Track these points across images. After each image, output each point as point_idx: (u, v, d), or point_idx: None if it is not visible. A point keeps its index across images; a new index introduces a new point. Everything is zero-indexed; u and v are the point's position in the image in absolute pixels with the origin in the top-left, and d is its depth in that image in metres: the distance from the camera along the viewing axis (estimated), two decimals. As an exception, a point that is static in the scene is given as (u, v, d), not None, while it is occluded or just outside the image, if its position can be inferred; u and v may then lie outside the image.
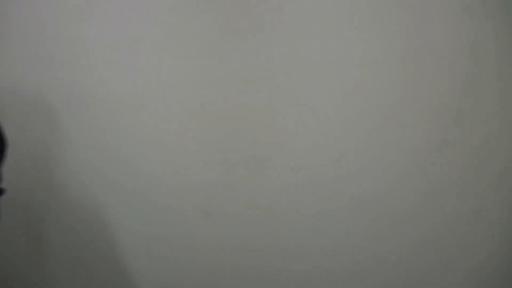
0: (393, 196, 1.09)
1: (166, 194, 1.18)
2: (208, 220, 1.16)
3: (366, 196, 1.09)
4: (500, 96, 1.07)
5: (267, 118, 1.15)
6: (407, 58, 1.07)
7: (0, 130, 0.90)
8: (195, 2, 1.17)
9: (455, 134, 1.08)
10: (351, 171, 1.09)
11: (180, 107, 1.19)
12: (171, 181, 1.18)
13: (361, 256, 1.10)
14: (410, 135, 1.09)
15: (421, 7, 1.06)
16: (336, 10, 1.11)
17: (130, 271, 1.19)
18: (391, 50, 1.07)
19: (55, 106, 1.22)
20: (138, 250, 1.19)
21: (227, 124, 1.17)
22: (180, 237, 1.17)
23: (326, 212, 1.10)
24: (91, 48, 1.22)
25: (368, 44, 1.09)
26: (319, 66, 1.12)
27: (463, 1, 1.04)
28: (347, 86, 1.10)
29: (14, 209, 0.95)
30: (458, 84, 1.08)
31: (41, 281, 1.20)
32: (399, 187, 1.10)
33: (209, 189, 1.17)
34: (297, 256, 1.11)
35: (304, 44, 1.12)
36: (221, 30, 1.17)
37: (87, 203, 1.21)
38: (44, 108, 1.23)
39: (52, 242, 1.20)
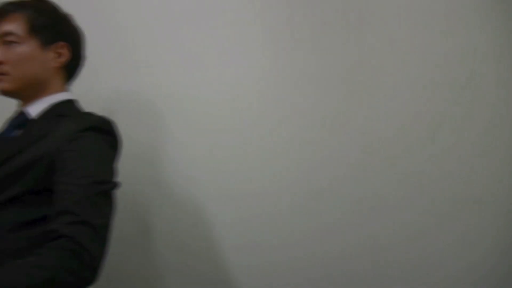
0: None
1: (263, 194, 1.21)
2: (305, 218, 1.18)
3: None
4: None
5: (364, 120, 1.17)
6: None
7: (115, 129, 0.97)
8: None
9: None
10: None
11: (275, 108, 1.23)
12: (267, 182, 1.21)
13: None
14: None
15: None
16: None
17: (230, 265, 1.22)
18: None
19: (159, 107, 1.30)
20: (236, 245, 1.22)
21: (324, 126, 1.19)
22: (274, 235, 1.19)
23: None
24: (189, 50, 1.29)
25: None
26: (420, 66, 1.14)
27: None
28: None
29: (124, 203, 1.00)
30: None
31: (148, 271, 1.27)
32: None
33: (306, 189, 1.18)
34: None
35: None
36: (317, 28, 1.21)
37: (190, 198, 1.26)
38: (149, 109, 1.31)
39: (158, 234, 1.27)
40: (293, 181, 1.21)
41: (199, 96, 1.28)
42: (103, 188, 0.86)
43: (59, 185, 0.84)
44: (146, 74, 1.32)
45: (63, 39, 1.02)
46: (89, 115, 0.99)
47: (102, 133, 0.94)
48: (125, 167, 1.04)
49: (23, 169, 0.87)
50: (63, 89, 1.05)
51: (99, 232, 0.80)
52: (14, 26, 0.96)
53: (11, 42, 0.95)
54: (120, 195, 0.93)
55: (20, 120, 1.00)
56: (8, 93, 0.98)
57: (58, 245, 0.75)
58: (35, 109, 0.99)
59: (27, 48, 0.96)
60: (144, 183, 1.29)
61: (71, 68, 1.06)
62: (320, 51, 1.21)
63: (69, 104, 1.03)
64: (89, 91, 1.28)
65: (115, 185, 0.91)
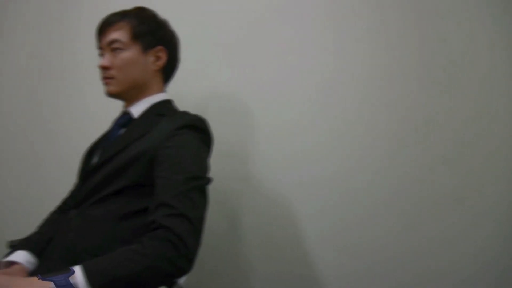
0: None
1: (353, 191, 1.20)
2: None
3: None
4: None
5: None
6: None
7: (208, 128, 1.02)
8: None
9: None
10: None
11: (368, 104, 1.21)
12: (359, 180, 1.20)
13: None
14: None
15: None
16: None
17: (316, 261, 1.22)
18: None
19: (249, 105, 1.34)
20: (325, 242, 1.22)
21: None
22: (364, 234, 1.18)
23: None
24: (280, 48, 1.31)
25: None
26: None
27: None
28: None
29: (214, 198, 1.04)
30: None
31: (237, 264, 1.32)
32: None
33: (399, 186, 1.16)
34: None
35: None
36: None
37: (279, 194, 1.28)
38: (240, 107, 1.35)
39: (247, 229, 1.31)
40: (385, 178, 1.17)
41: (289, 94, 1.29)
42: (198, 184, 0.91)
43: (158, 179, 0.91)
44: (237, 73, 1.36)
45: (161, 43, 1.09)
46: (185, 114, 1.05)
47: (197, 131, 0.99)
48: (216, 164, 1.08)
49: (127, 164, 0.95)
50: (161, 90, 1.13)
51: (195, 224, 0.85)
52: (119, 34, 1.05)
53: (116, 49, 1.04)
54: (211, 191, 0.97)
55: (124, 120, 1.09)
56: (114, 95, 1.08)
57: (158, 235, 0.81)
58: (137, 109, 1.08)
59: (130, 53, 1.05)
60: (234, 179, 1.33)
61: (168, 70, 1.13)
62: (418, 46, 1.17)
63: (167, 104, 1.11)
64: (183, 91, 1.35)
65: (208, 181, 0.96)
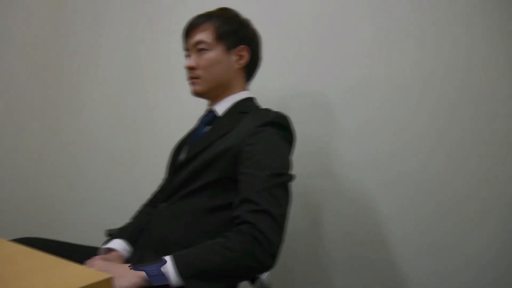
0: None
1: (438, 190, 1.14)
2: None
3: None
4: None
5: None
6: None
7: (290, 125, 1.03)
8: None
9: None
10: None
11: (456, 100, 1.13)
12: (444, 178, 1.14)
13: None
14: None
15: None
16: None
17: (399, 261, 1.19)
18: None
19: (331, 102, 1.31)
20: (407, 242, 1.18)
21: None
22: (452, 234, 1.12)
23: None
24: (359, 46, 1.27)
25: None
26: None
27: None
28: None
29: (297, 196, 1.05)
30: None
31: (319, 261, 1.31)
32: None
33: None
34: None
35: None
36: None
37: (362, 192, 1.25)
38: (322, 103, 1.33)
39: (329, 227, 1.29)
40: (469, 176, 1.10)
41: (372, 91, 1.25)
42: (281, 180, 0.91)
43: (242, 175, 0.93)
44: (320, 71, 1.34)
45: (244, 42, 1.11)
46: (267, 111, 1.06)
47: (279, 128, 1.00)
48: (298, 161, 1.08)
49: (212, 160, 0.99)
50: (244, 88, 1.15)
51: (278, 221, 0.85)
52: (204, 35, 1.09)
53: (202, 50, 1.08)
54: (293, 188, 0.97)
55: (209, 118, 1.13)
56: (200, 94, 1.12)
57: (242, 231, 0.83)
58: (221, 107, 1.11)
59: (215, 53, 1.08)
60: (316, 177, 1.32)
61: (250, 68, 1.15)
62: None
63: (249, 102, 1.13)
64: (266, 89, 1.37)
65: (291, 178, 0.96)
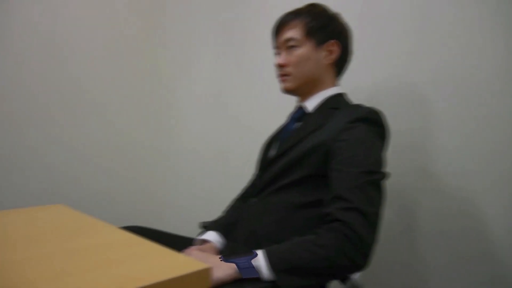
0: None
1: None
2: None
3: None
4: None
5: None
6: None
7: (383, 120, 0.99)
8: None
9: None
10: None
11: None
12: None
13: None
14: None
15: None
16: None
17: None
18: None
19: (428, 95, 1.23)
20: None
21: None
22: None
23: None
24: (454, 35, 1.17)
25: None
26: None
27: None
28: None
29: (391, 195, 1.02)
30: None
31: (414, 268, 1.23)
32: None
33: None
34: None
35: None
36: None
37: (465, 193, 1.15)
38: (418, 97, 1.25)
39: (428, 231, 1.21)
40: None
41: (473, 85, 1.14)
42: (374, 178, 0.88)
43: (332, 172, 0.91)
44: (413, 63, 1.27)
45: (333, 37, 1.09)
46: (359, 106, 1.03)
47: (371, 124, 0.96)
48: (393, 158, 1.03)
49: (302, 156, 0.99)
50: (334, 84, 1.13)
51: (370, 219, 0.83)
52: (294, 32, 1.09)
53: (291, 47, 1.09)
54: (388, 187, 0.93)
55: (299, 114, 1.13)
56: (289, 91, 1.13)
57: (334, 228, 0.82)
58: (311, 104, 1.11)
59: (305, 50, 1.08)
60: (413, 175, 1.24)
61: (340, 63, 1.13)
62: None
63: (340, 98, 1.11)
64: (356, 84, 1.33)
65: (384, 176, 0.92)
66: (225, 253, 1.00)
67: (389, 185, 0.96)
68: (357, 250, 0.80)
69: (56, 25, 2.02)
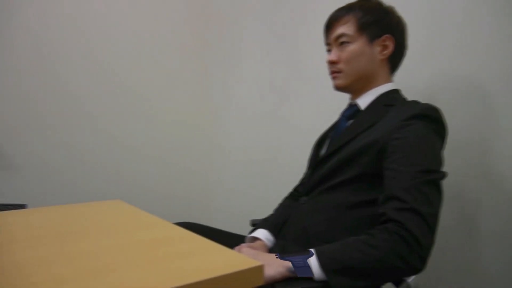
0: None
1: None
2: None
3: None
4: None
5: None
6: None
7: (441, 117, 0.95)
8: None
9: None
10: None
11: None
12: None
13: None
14: None
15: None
16: None
17: None
18: None
19: (488, 91, 1.16)
20: None
21: None
22: None
23: None
24: None
25: None
26: None
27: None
28: None
29: (449, 197, 0.97)
30: None
31: (472, 268, 1.18)
32: None
33: None
34: None
35: None
36: None
37: None
38: (477, 93, 1.19)
39: (489, 235, 1.15)
40: None
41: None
42: (431, 178, 0.84)
43: (387, 171, 0.88)
44: (469, 57, 1.20)
45: (387, 32, 1.06)
46: (415, 103, 0.99)
47: (428, 121, 0.92)
48: (452, 157, 0.98)
49: (355, 155, 0.96)
50: (388, 79, 1.09)
51: (428, 221, 0.79)
52: (346, 27, 1.06)
53: (343, 43, 1.06)
54: (445, 187, 0.88)
55: (351, 111, 1.10)
56: (341, 88, 1.10)
57: (388, 229, 0.79)
58: (364, 101, 1.08)
59: (357, 45, 1.05)
60: (473, 175, 1.17)
61: (395, 58, 1.09)
62: None
63: (394, 94, 1.07)
64: (411, 80, 1.28)
65: (443, 175, 0.88)
66: (275, 251, 1.00)
67: (446, 185, 0.92)
68: (413, 252, 0.77)
69: (107, 26, 2.11)
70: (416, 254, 0.77)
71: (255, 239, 1.10)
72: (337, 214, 0.97)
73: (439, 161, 0.89)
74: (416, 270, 0.79)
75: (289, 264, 0.79)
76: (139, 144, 2.20)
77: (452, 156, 1.02)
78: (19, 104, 1.88)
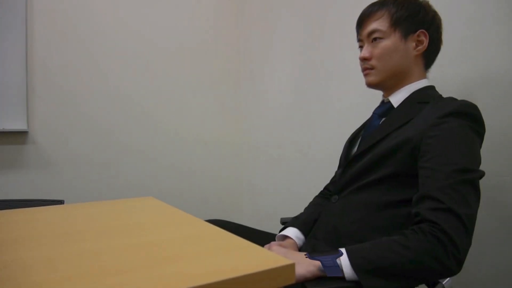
0: None
1: None
2: None
3: None
4: None
5: None
6: None
7: (479, 114, 0.91)
8: None
9: None
10: None
11: None
12: None
13: None
14: None
15: None
16: None
17: None
18: None
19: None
20: None
21: None
22: None
23: None
24: None
25: None
26: None
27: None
28: None
29: (487, 197, 0.94)
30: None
31: (510, 270, 1.17)
32: None
33: None
34: None
35: None
36: None
37: None
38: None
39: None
40: None
41: None
42: (468, 177, 0.81)
43: (422, 170, 0.86)
44: (508, 51, 1.15)
45: (422, 27, 1.03)
46: (451, 100, 0.96)
47: (465, 118, 0.88)
48: (491, 156, 0.94)
49: (387, 154, 0.94)
50: (422, 76, 1.06)
51: (464, 222, 0.76)
52: (378, 23, 1.04)
53: (376, 39, 1.04)
54: (483, 187, 0.85)
55: (383, 109, 1.08)
56: (373, 85, 1.08)
57: (423, 229, 0.77)
58: (397, 98, 1.05)
59: (390, 41, 1.03)
60: (510, 174, 1.12)
61: (430, 54, 1.06)
62: None
63: (429, 91, 1.04)
64: (446, 76, 1.24)
65: (480, 175, 0.84)
66: (305, 250, 0.99)
67: (485, 185, 0.88)
68: (449, 254, 0.74)
69: (144, 26, 2.16)
70: (451, 256, 0.75)
71: (285, 237, 1.09)
72: (368, 213, 0.95)
73: (476, 159, 0.86)
74: (451, 273, 0.77)
75: (319, 263, 0.79)
76: (173, 144, 2.24)
77: (491, 155, 0.98)
78: (60, 104, 1.96)
